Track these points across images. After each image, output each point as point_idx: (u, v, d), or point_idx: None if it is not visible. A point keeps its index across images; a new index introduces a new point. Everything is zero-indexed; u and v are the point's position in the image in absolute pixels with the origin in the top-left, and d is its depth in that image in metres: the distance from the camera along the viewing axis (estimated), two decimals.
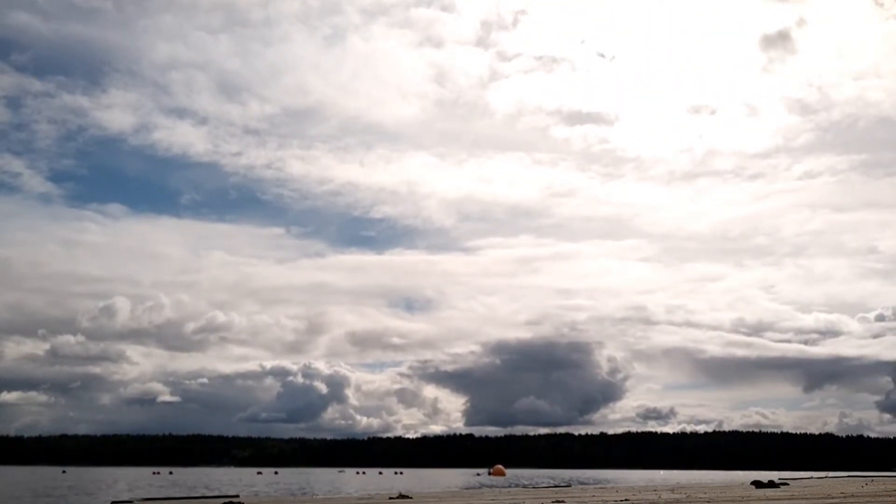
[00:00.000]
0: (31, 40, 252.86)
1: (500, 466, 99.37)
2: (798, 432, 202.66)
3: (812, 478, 46.19)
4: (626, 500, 21.31)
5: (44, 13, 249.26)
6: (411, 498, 21.68)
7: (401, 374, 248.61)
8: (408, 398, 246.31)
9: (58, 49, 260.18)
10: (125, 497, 30.54)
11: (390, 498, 22.07)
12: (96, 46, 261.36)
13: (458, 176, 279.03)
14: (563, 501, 20.89)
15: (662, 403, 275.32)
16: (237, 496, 27.00)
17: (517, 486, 43.30)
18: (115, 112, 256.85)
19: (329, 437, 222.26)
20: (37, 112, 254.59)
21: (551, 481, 53.81)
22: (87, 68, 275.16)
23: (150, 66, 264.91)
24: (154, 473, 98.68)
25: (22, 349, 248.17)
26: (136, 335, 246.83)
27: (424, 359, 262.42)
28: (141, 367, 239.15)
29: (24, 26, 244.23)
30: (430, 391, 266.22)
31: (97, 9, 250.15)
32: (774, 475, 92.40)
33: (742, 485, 27.48)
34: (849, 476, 47.20)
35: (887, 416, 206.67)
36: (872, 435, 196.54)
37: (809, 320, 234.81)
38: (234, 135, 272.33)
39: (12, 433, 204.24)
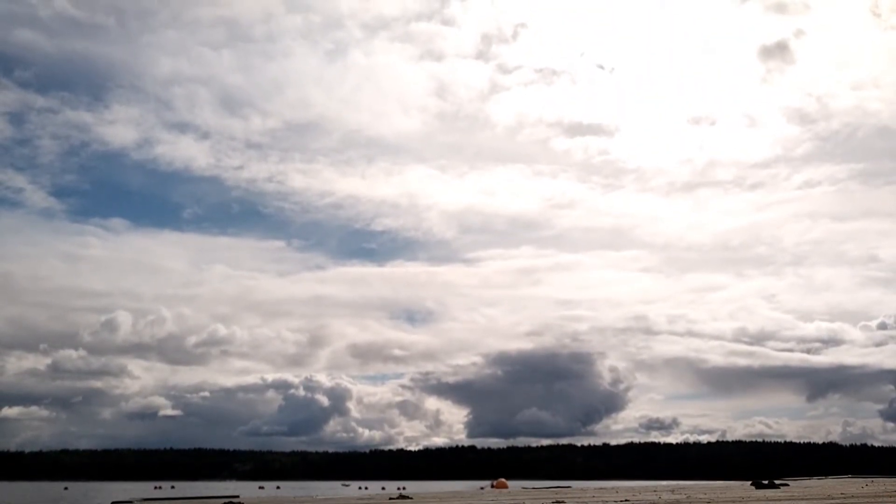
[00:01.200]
0: (35, 57, 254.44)
1: (503, 480, 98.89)
2: (802, 441, 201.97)
3: (812, 479, 46.21)
4: (625, 500, 21.40)
5: (47, 30, 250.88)
6: (411, 498, 21.79)
7: (402, 386, 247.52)
8: (409, 410, 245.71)
9: (61, 65, 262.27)
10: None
11: (391, 498, 22.18)
12: (99, 62, 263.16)
13: (459, 188, 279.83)
14: (563, 502, 20.98)
15: (665, 413, 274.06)
16: (237, 496, 27.08)
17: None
18: (118, 127, 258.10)
19: (331, 449, 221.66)
20: (40, 128, 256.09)
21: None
22: (90, 84, 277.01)
23: (152, 82, 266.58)
24: (156, 488, 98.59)
25: (23, 364, 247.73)
26: (137, 349, 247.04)
27: (426, 371, 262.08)
28: (142, 381, 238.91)
29: (28, 43, 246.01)
30: (431, 403, 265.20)
31: (100, 25, 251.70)
32: None
33: (742, 485, 27.53)
34: (849, 477, 47.19)
35: (891, 425, 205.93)
36: (876, 444, 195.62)
37: (811, 329, 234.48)
38: (235, 149, 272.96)
39: (13, 448, 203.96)
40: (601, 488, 31.87)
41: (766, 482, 26.11)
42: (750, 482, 27.76)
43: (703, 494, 22.72)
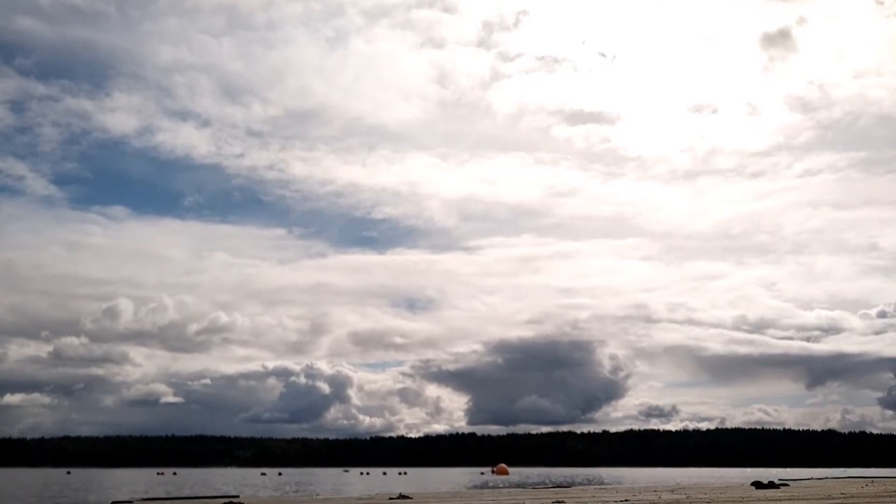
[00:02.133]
0: (36, 44, 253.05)
1: (504, 465, 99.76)
2: (801, 429, 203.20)
3: (812, 478, 46.38)
4: (625, 500, 21.45)
5: (48, 17, 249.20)
6: (411, 498, 21.84)
7: (403, 374, 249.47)
8: (410, 398, 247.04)
9: (62, 53, 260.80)
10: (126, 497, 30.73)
11: (390, 498, 22.24)
12: (100, 50, 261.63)
13: (459, 176, 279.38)
14: (563, 501, 21.02)
15: (664, 401, 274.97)
16: (237, 496, 27.16)
17: (520, 486, 43.55)
18: (119, 115, 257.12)
19: (332, 437, 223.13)
20: (41, 115, 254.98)
21: (554, 480, 54.04)
22: (90, 72, 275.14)
23: (153, 69, 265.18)
24: (158, 474, 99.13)
25: (25, 351, 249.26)
26: (139, 336, 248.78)
27: (426, 358, 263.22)
28: (144, 368, 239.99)
29: (28, 30, 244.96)
30: (432, 390, 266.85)
31: (101, 13, 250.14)
32: (777, 472, 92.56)
33: (742, 485, 27.64)
34: (849, 477, 47.38)
35: (889, 413, 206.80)
36: (875, 431, 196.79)
37: (811, 317, 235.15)
38: (236, 137, 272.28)
39: (15, 435, 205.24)
40: (601, 488, 32.02)
41: (766, 482, 26.23)
42: (751, 482, 27.89)
43: (703, 494, 22.80)
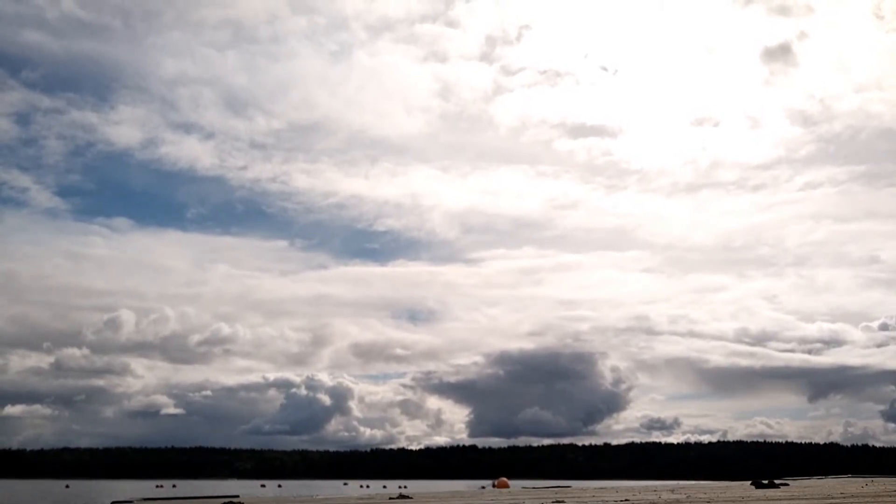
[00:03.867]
0: (42, 58, 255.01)
1: (504, 479, 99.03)
2: (803, 442, 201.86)
3: (812, 478, 46.24)
4: (625, 500, 21.44)
5: (54, 31, 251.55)
6: (411, 498, 21.83)
7: (404, 386, 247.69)
8: (411, 410, 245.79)
9: (67, 66, 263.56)
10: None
11: (391, 498, 22.22)
12: (105, 63, 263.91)
13: (462, 188, 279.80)
14: (563, 501, 21.01)
15: (666, 413, 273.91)
16: (237, 496, 27.15)
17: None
18: (123, 127, 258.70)
19: (332, 448, 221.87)
20: (46, 128, 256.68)
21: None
22: (95, 85, 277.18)
23: (157, 82, 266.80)
24: (157, 486, 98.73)
25: (26, 362, 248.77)
26: (140, 348, 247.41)
27: (427, 370, 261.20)
28: (145, 379, 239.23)
29: (35, 44, 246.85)
30: (433, 402, 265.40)
31: (106, 26, 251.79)
32: None
33: (742, 485, 27.55)
34: (849, 477, 47.17)
35: (892, 426, 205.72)
36: (877, 444, 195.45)
37: (813, 330, 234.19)
38: (240, 149, 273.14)
39: (15, 446, 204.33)
40: (601, 488, 31.91)
41: (766, 482, 26.14)
42: (750, 482, 27.79)
43: (703, 494, 22.77)
